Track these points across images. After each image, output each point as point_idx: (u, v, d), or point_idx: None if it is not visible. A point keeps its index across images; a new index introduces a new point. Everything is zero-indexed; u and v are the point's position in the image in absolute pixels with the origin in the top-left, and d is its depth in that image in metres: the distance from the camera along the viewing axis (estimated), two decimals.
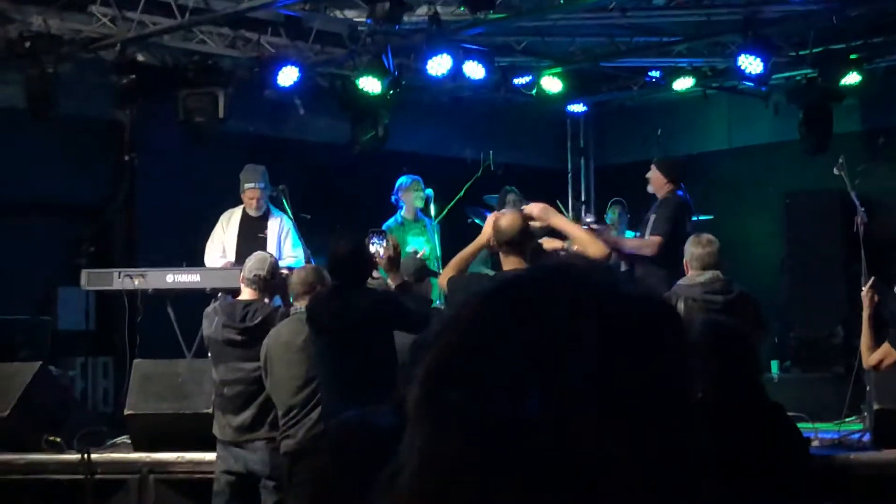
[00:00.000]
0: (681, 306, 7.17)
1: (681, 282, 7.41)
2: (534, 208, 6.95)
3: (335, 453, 2.99)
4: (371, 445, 3.42)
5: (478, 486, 0.99)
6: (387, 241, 7.23)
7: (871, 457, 7.56)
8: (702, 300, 7.14)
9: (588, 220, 9.13)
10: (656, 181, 8.97)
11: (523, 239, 6.35)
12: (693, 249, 7.43)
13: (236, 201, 9.85)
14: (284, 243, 9.68)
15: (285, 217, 9.73)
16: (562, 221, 6.88)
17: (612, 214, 11.10)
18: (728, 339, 4.97)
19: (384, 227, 10.01)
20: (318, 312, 6.79)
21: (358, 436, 3.00)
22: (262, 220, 9.77)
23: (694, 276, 7.35)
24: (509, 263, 6.34)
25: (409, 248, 10.12)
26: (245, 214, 9.77)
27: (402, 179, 10.37)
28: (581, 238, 6.71)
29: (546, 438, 0.98)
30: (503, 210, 9.46)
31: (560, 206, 9.14)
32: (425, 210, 10.38)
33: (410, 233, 10.30)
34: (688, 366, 1.06)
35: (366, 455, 3.33)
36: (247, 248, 9.44)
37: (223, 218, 9.80)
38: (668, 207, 8.76)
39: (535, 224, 7.05)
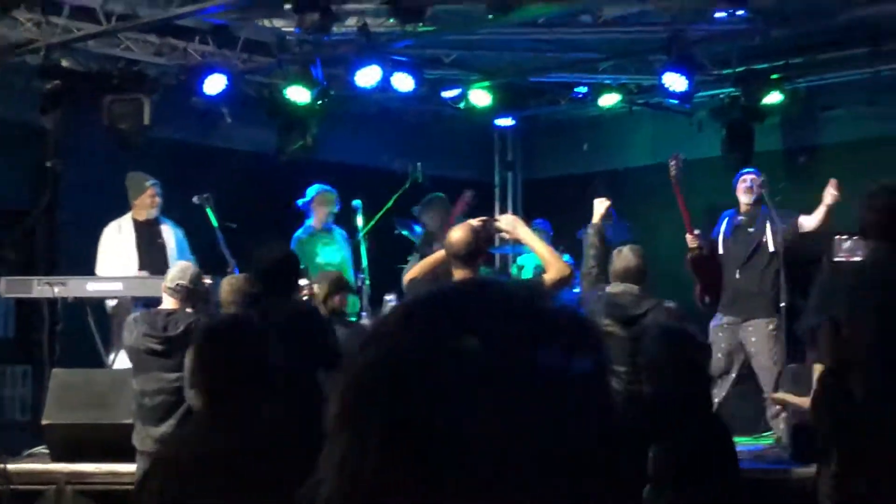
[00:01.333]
0: (601, 304, 7.26)
1: (591, 292, 7.52)
2: (503, 220, 7.01)
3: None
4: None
5: (401, 498, 1.00)
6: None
7: (790, 470, 7.70)
8: (606, 312, 7.20)
9: None
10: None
11: (472, 252, 6.37)
12: (613, 261, 7.52)
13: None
14: (183, 251, 9.68)
15: (171, 222, 9.78)
16: (528, 235, 6.89)
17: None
18: (683, 346, 5.05)
19: (294, 238, 10.06)
20: None
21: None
22: (156, 226, 9.76)
23: (609, 287, 7.44)
24: (458, 276, 6.37)
25: (319, 259, 10.14)
26: (136, 222, 9.71)
27: (312, 189, 10.39)
28: (544, 255, 6.71)
29: (469, 451, 1.00)
30: (428, 213, 9.56)
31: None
32: (353, 220, 10.40)
33: (320, 243, 10.31)
34: (605, 380, 1.09)
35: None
36: (148, 256, 9.39)
37: (111, 230, 9.73)
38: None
39: (503, 236, 7.11)
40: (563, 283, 6.48)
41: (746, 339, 8.83)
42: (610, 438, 1.06)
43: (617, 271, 7.45)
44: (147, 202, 9.75)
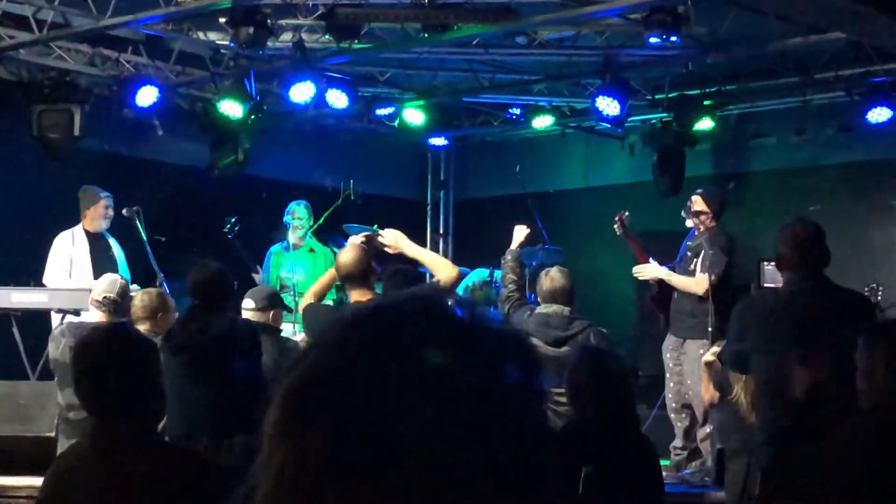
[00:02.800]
0: (528, 325, 7.31)
1: (517, 313, 7.57)
2: (386, 235, 7.10)
3: None
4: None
5: None
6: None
7: (715, 496, 7.76)
8: (536, 332, 7.24)
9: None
10: (702, 213, 8.97)
11: (363, 272, 6.46)
12: (542, 283, 7.57)
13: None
14: (125, 267, 9.71)
15: (114, 238, 9.80)
16: (412, 248, 7.04)
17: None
18: (610, 367, 5.08)
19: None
20: (177, 333, 6.75)
21: None
22: (105, 240, 9.79)
23: (539, 308, 7.49)
24: (356, 296, 6.44)
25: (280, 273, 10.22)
26: (88, 234, 9.72)
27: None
28: (432, 262, 6.91)
29: (404, 461, 1.01)
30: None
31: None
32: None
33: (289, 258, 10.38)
34: (541, 399, 1.11)
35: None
36: (101, 268, 9.36)
37: (63, 241, 9.69)
38: (722, 246, 8.76)
39: (388, 250, 7.20)
40: (455, 284, 6.78)
41: (683, 361, 8.91)
42: (541, 457, 1.08)
43: (545, 292, 7.52)
44: (100, 213, 9.81)
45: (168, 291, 8.55)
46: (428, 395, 1.03)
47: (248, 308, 7.83)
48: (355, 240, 7.08)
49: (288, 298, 9.32)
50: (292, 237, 10.44)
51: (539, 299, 7.61)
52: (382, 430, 1.01)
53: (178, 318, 7.18)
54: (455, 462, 1.02)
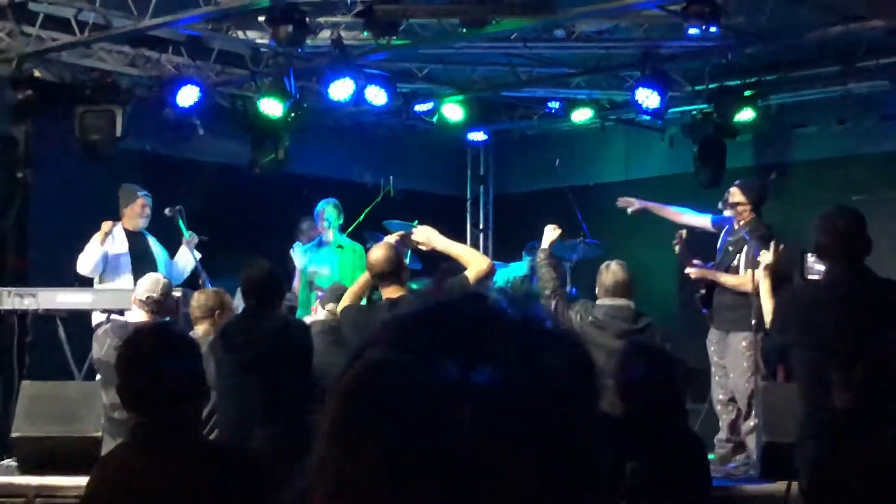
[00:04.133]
0: (577, 320, 7.30)
1: (598, 303, 7.53)
2: (418, 233, 7.11)
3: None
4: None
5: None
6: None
7: (760, 488, 7.72)
8: (607, 323, 7.24)
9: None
10: (740, 205, 8.91)
11: (394, 269, 6.49)
12: (603, 277, 7.53)
13: None
14: (166, 266, 9.76)
15: (153, 238, 9.87)
16: (445, 243, 7.03)
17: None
18: (659, 363, 5.08)
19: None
20: (231, 331, 6.81)
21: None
22: (145, 238, 9.86)
23: (604, 301, 7.46)
24: (388, 293, 6.46)
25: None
26: (128, 233, 9.79)
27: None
28: (464, 256, 6.91)
29: (466, 460, 1.01)
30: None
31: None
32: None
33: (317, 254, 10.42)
34: (590, 393, 1.11)
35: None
36: (141, 265, 9.43)
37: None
38: (763, 237, 8.52)
39: (421, 247, 7.23)
40: (486, 277, 6.75)
41: (726, 354, 8.86)
42: (594, 457, 1.08)
43: (607, 286, 7.48)
44: (137, 211, 9.89)
45: None
46: (484, 395, 1.03)
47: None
48: (388, 238, 7.11)
49: (311, 295, 9.44)
50: (321, 234, 10.43)
51: (599, 292, 7.57)
52: (439, 430, 1.01)
53: (232, 316, 7.26)
54: (510, 462, 1.02)
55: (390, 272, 6.48)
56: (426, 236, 7.08)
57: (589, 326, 7.24)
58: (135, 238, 9.87)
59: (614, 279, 7.47)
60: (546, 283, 7.78)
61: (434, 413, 1.02)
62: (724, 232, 9.16)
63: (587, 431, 1.08)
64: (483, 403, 1.03)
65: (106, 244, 9.71)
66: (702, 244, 9.38)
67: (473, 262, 6.79)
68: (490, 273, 6.92)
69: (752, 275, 8.41)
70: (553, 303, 7.71)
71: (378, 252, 6.66)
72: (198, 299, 7.67)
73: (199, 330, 7.39)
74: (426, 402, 1.03)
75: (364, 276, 7.13)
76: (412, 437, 1.02)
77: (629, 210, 9.92)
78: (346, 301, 7.06)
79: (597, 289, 7.60)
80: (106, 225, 9.56)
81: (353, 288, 7.23)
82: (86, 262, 9.58)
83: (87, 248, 9.65)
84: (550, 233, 8.11)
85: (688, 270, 9.05)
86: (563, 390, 1.07)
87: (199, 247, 9.92)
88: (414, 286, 6.97)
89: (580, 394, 1.09)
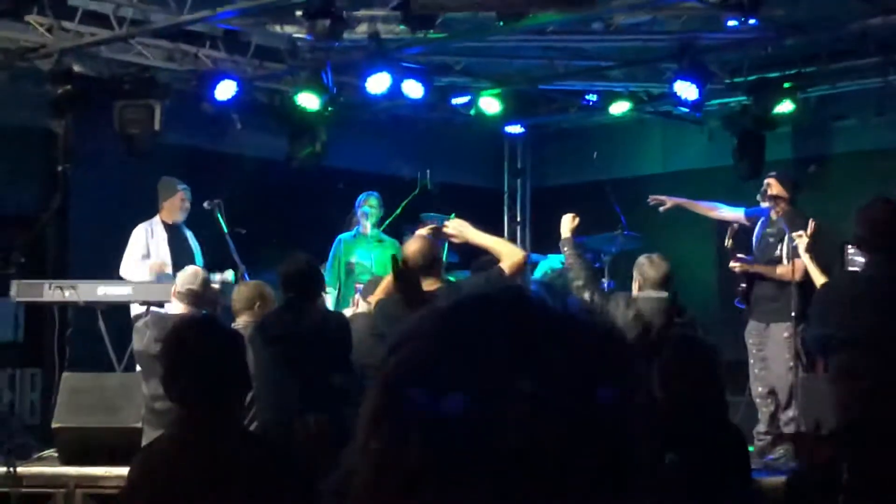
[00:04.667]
0: (630, 313, 7.27)
1: (639, 295, 7.49)
2: (451, 226, 7.11)
3: None
4: None
5: (438, 493, 1.03)
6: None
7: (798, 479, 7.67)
8: (651, 316, 7.22)
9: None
10: (779, 197, 8.86)
11: (430, 262, 6.48)
12: (647, 270, 7.49)
13: None
14: (200, 259, 9.83)
15: (189, 231, 9.95)
16: (478, 235, 7.01)
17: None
18: (701, 355, 5.08)
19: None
20: (271, 323, 6.86)
21: None
22: (182, 231, 9.94)
23: (652, 293, 7.42)
24: (424, 285, 6.46)
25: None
26: (165, 225, 9.88)
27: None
28: (499, 248, 6.88)
29: (506, 446, 1.02)
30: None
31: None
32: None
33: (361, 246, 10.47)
34: (631, 387, 1.11)
35: None
36: (179, 259, 9.50)
37: (140, 233, 9.84)
38: (801, 226, 8.42)
39: (454, 240, 7.23)
40: (520, 268, 6.71)
41: (766, 345, 8.83)
42: (636, 450, 1.09)
43: (654, 279, 7.44)
44: (177, 205, 9.97)
45: None
46: (524, 386, 1.03)
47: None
48: (422, 231, 7.11)
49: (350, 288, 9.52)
50: (363, 226, 10.46)
51: (643, 285, 7.52)
52: (479, 421, 1.02)
53: (272, 309, 7.33)
54: (551, 454, 1.02)
55: (425, 265, 6.49)
56: (459, 229, 7.08)
57: (632, 320, 7.21)
58: (173, 231, 9.94)
59: (659, 272, 7.44)
60: (577, 272, 7.67)
61: (478, 407, 1.03)
62: (759, 224, 9.12)
63: (633, 426, 1.09)
64: (524, 394, 1.03)
65: (144, 240, 9.79)
66: (745, 238, 9.36)
67: (508, 253, 6.77)
68: (525, 264, 6.89)
69: (794, 264, 8.37)
70: (589, 294, 7.65)
71: (412, 245, 6.67)
72: (238, 291, 7.73)
73: (240, 322, 7.44)
74: (467, 392, 1.04)
75: None
76: (453, 427, 1.03)
77: (661, 208, 9.93)
78: (378, 294, 7.09)
79: (638, 281, 7.55)
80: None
81: (389, 282, 7.23)
82: (129, 269, 9.69)
83: (131, 260, 9.71)
84: (567, 222, 7.94)
85: (732, 265, 9.00)
86: (603, 381, 1.07)
87: (236, 240, 9.97)
88: (451, 279, 6.97)
89: (625, 389, 1.09)
